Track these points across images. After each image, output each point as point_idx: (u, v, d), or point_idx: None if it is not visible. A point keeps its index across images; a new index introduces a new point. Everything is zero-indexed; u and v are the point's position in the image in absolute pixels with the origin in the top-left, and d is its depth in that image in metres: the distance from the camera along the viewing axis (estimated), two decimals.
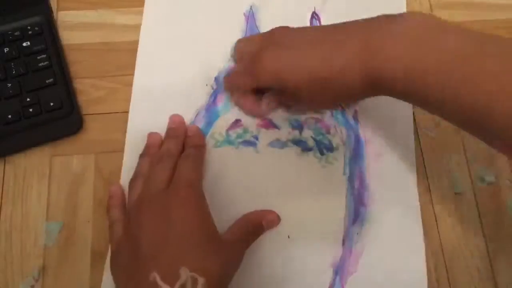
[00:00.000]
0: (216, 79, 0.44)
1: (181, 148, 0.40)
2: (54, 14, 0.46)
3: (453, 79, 0.30)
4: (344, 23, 0.37)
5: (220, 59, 0.45)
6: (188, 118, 0.43)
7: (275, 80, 0.37)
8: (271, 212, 0.40)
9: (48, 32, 0.44)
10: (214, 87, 0.44)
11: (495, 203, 0.41)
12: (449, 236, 0.40)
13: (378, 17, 0.35)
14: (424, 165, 0.42)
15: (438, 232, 0.40)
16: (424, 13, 0.36)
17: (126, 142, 0.42)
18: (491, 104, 0.28)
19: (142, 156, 0.40)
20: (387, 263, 0.39)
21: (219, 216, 0.38)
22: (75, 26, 0.46)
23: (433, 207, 0.41)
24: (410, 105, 0.44)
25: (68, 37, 0.45)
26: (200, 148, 0.41)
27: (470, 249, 0.40)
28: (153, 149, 0.41)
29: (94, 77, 0.44)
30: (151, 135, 0.42)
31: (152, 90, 0.44)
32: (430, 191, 0.42)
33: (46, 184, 0.40)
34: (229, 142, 0.42)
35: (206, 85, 0.44)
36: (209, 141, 0.42)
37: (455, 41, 0.31)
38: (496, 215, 0.41)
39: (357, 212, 0.40)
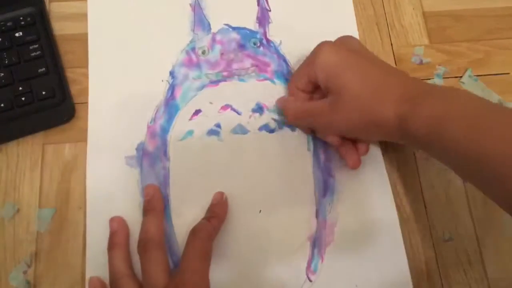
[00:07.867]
0: (171, 73, 0.44)
1: (162, 223, 0.37)
2: (47, 4, 0.46)
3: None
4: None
5: (171, 52, 0.45)
6: (148, 115, 0.42)
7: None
8: None
9: (40, 22, 0.45)
10: (170, 81, 0.44)
11: None
12: (439, 220, 0.41)
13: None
14: (414, 151, 0.43)
15: (427, 216, 0.41)
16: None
17: (87, 143, 0.41)
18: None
19: (110, 249, 0.37)
20: (362, 229, 0.40)
21: (191, 209, 0.39)
22: (68, 16, 0.46)
23: (422, 192, 0.42)
24: None
25: (60, 27, 0.46)
26: (218, 220, 0.38)
27: (459, 232, 0.40)
28: (119, 238, 0.37)
29: (86, 66, 0.44)
30: (112, 220, 0.38)
31: (108, 92, 0.43)
32: (419, 175, 0.42)
33: (39, 172, 0.41)
34: (191, 134, 0.42)
35: (162, 80, 0.44)
36: (172, 135, 0.42)
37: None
38: (485, 199, 0.41)
39: (326, 184, 0.41)
